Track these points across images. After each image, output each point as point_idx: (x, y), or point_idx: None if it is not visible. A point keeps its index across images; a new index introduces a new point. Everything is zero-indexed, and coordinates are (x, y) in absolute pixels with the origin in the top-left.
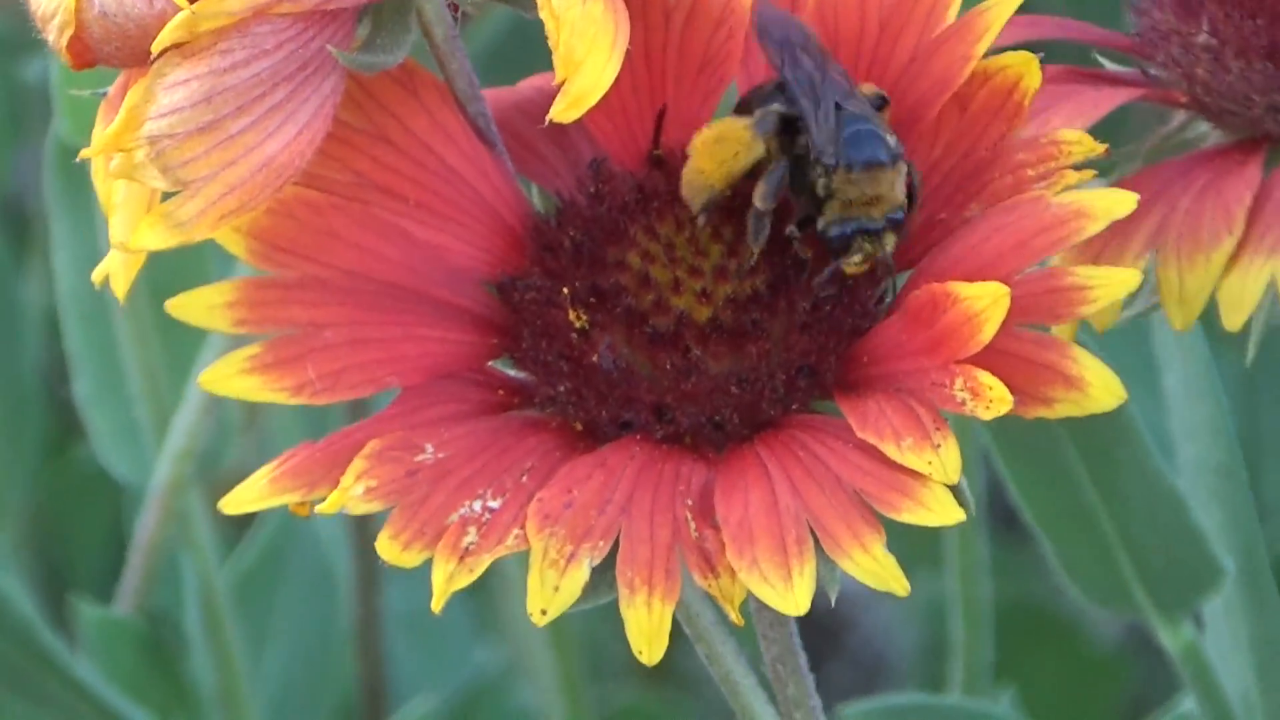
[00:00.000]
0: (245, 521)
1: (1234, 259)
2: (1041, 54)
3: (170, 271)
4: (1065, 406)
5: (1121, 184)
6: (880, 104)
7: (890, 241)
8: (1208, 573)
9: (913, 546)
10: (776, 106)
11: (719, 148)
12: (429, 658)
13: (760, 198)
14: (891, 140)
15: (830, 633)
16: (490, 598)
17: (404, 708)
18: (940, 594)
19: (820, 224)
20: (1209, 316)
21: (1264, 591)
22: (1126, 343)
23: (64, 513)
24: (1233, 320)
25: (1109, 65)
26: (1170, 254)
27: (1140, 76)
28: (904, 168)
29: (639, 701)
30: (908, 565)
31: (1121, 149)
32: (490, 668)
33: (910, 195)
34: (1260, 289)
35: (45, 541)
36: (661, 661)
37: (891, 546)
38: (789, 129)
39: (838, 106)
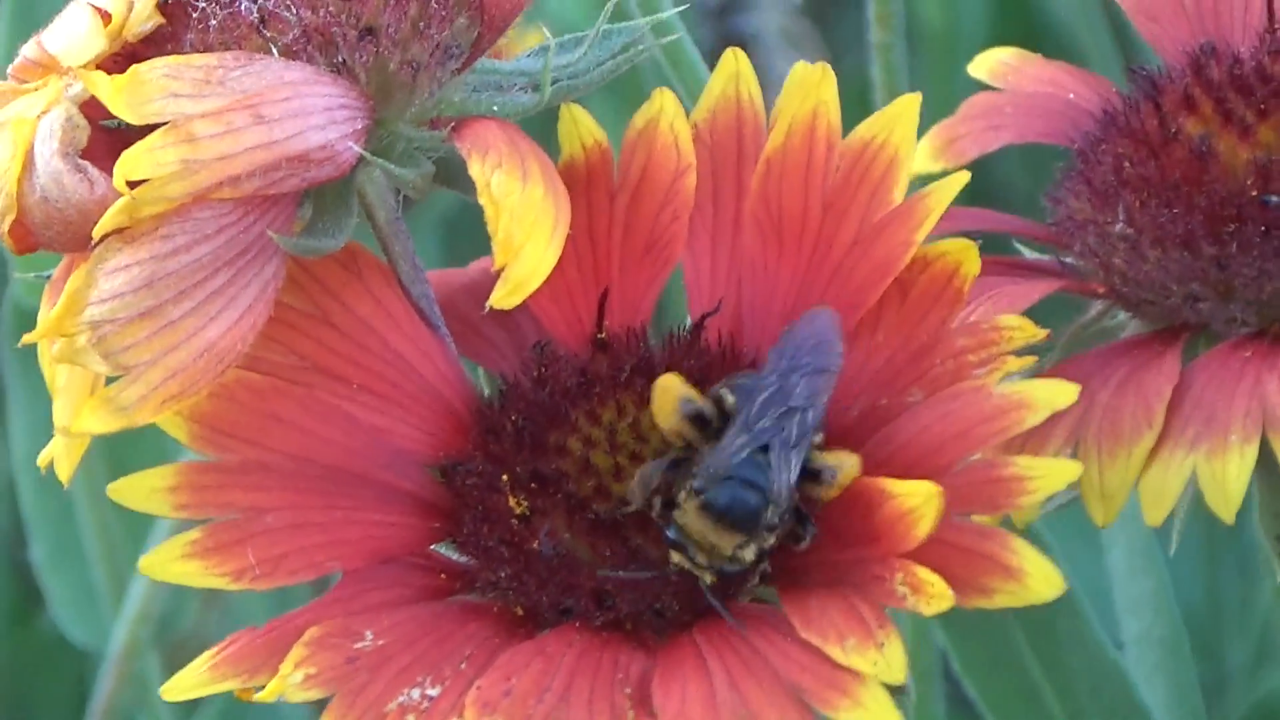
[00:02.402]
0: None
1: (1154, 452)
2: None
3: (126, 437)
4: (1004, 597)
5: (1040, 376)
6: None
7: (708, 578)
8: None
9: None
10: (725, 396)
11: (662, 397)
12: None
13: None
14: (769, 513)
15: None
16: None
17: None
18: None
19: (673, 515)
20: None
21: None
22: (1071, 517)
23: (27, 678)
24: (1154, 515)
25: (1028, 253)
26: (1091, 449)
27: (1058, 266)
28: (765, 542)
29: None
30: None
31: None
32: None
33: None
34: (1181, 483)
35: (9, 706)
36: None
37: None
38: (709, 424)
39: (764, 449)
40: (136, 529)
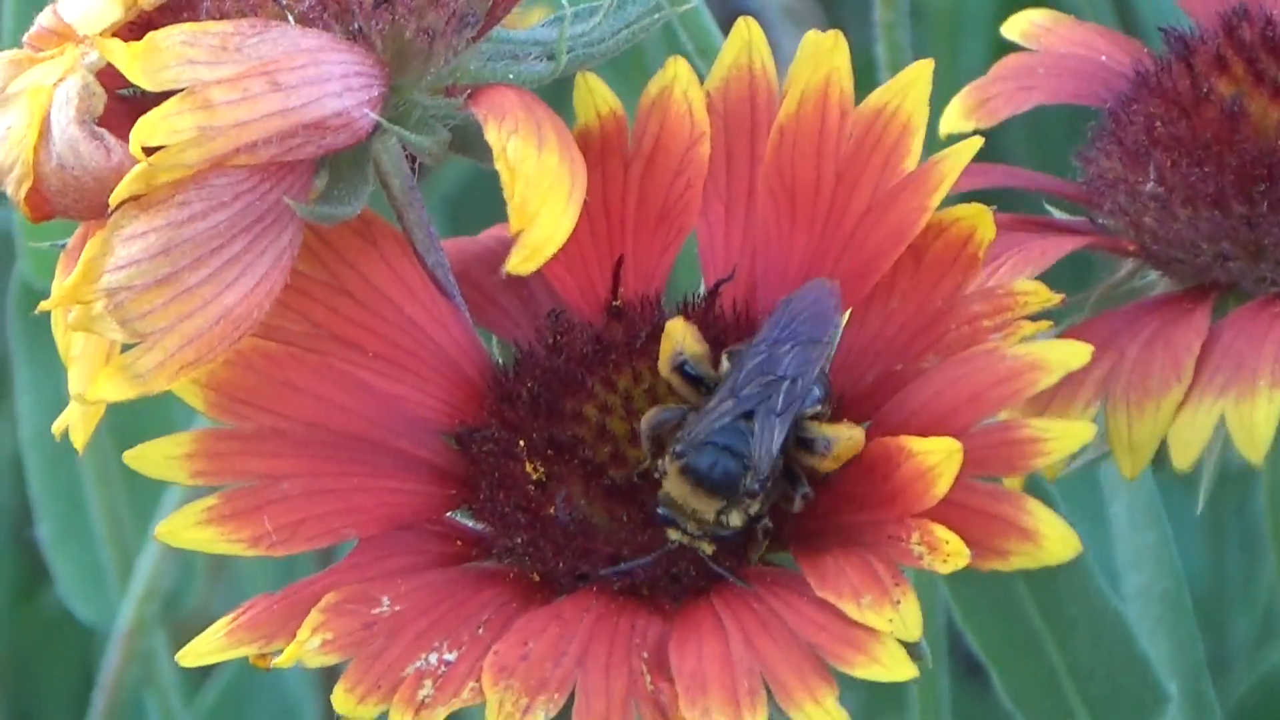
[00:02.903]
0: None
1: (1182, 403)
2: (995, 206)
3: (133, 414)
4: (1020, 559)
5: (1069, 332)
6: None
7: (707, 548)
8: (1152, 698)
9: (875, 687)
10: (723, 360)
11: (665, 341)
12: None
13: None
14: (748, 480)
15: None
16: None
17: None
18: None
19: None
20: (1164, 456)
21: (1209, 717)
22: (1073, 472)
23: (33, 655)
24: (1182, 460)
25: (1057, 214)
26: (1119, 402)
27: (1089, 225)
28: (751, 507)
29: None
30: (871, 705)
31: (1071, 297)
32: None
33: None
34: (1210, 427)
35: (14, 683)
36: None
37: (855, 687)
38: (702, 382)
39: (747, 415)
40: (143, 506)
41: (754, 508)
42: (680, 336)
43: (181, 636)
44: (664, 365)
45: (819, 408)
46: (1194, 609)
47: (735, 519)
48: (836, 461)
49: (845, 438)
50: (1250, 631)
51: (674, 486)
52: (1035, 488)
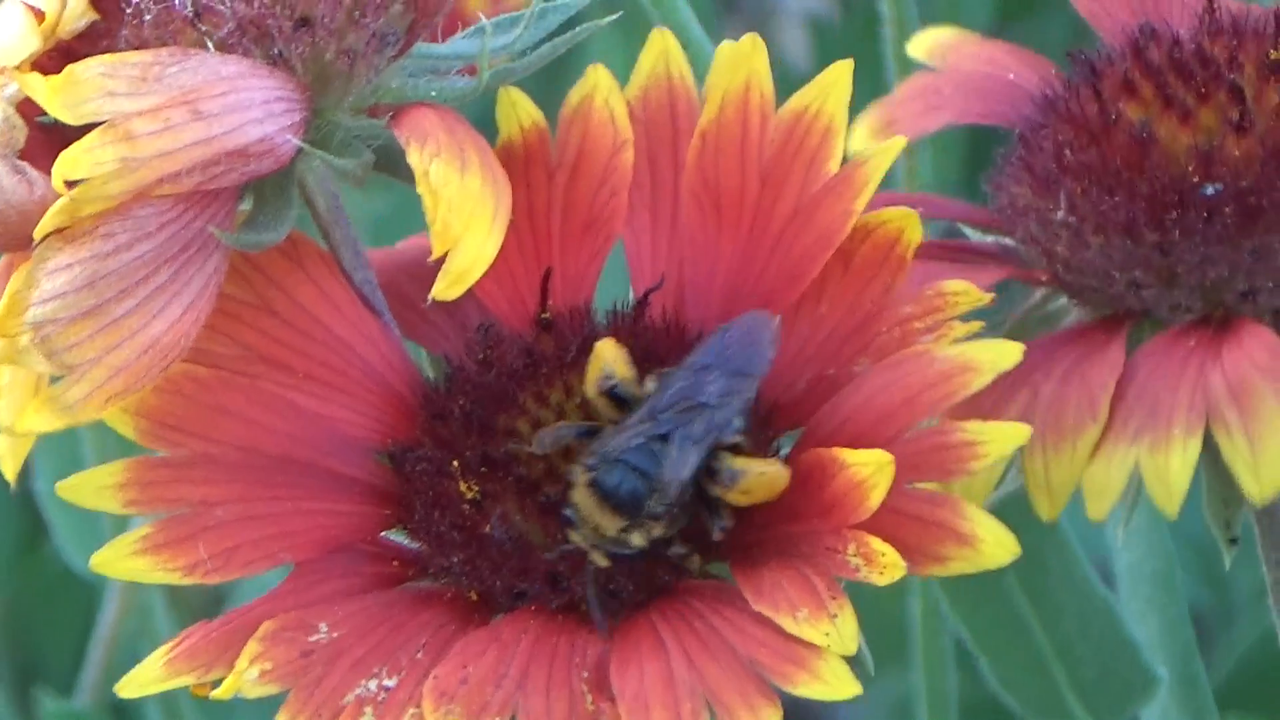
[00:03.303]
0: (210, 610)
1: (1098, 445)
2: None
3: None
4: (958, 564)
5: None
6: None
7: (600, 560)
8: (1141, 682)
9: (879, 641)
10: (648, 383)
11: (593, 363)
12: None
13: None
14: (653, 502)
15: None
16: None
17: None
18: (907, 689)
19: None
20: None
21: (1200, 698)
22: None
23: (34, 607)
24: (1097, 509)
25: (971, 234)
26: (1035, 442)
27: (1000, 250)
28: (653, 529)
29: None
30: (875, 659)
31: (986, 325)
32: None
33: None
34: (1124, 477)
35: (17, 635)
36: None
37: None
38: (627, 404)
39: (663, 438)
40: None
41: (657, 530)
42: (609, 359)
43: (176, 589)
44: (590, 388)
45: (738, 439)
46: (1197, 563)
47: (637, 539)
48: (749, 497)
49: (758, 472)
50: (1253, 585)
51: (581, 498)
52: None
